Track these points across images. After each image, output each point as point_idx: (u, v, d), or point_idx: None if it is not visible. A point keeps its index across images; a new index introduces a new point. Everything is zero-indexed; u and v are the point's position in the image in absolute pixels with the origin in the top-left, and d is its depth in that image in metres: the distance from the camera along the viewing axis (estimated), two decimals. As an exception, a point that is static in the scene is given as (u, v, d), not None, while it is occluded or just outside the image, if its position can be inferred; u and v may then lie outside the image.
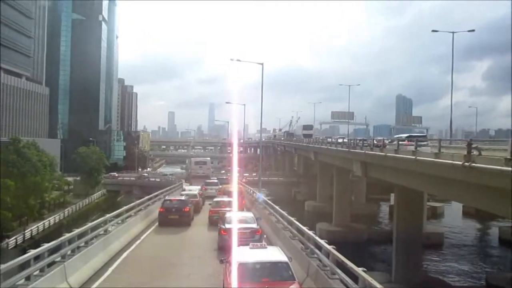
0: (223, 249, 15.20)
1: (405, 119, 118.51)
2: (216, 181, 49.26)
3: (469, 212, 57.22)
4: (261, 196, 30.03)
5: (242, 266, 10.06)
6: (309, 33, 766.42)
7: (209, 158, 75.64)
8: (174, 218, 24.40)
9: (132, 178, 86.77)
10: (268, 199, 27.87)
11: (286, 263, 10.34)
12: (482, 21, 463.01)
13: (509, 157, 14.10)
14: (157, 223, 24.99)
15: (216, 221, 21.59)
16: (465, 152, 16.82)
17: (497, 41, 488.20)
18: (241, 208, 28.50)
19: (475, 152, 16.41)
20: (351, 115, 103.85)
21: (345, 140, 44.54)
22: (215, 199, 28.50)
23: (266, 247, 11.51)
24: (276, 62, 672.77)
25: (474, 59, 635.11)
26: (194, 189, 37.48)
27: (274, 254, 11.00)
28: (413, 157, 21.45)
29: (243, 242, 12.76)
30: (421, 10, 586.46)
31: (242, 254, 10.71)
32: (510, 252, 43.94)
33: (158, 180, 78.30)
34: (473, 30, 51.28)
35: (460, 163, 16.61)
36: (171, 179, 76.05)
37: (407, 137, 30.13)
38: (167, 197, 29.30)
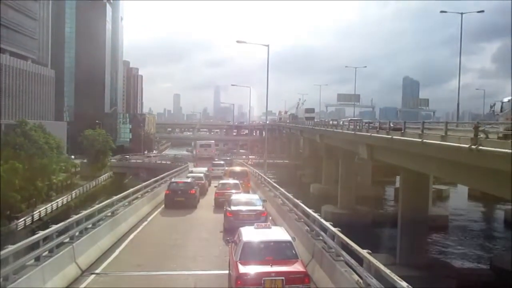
0: (229, 231, 15.34)
1: (412, 101, 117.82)
2: (222, 162, 50.91)
3: (475, 195, 57.13)
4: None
5: (247, 244, 10.33)
6: (317, 14, 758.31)
7: (213, 141, 78.98)
8: (180, 200, 24.54)
9: (139, 160, 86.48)
10: (274, 181, 27.86)
11: (290, 242, 10.62)
12: (493, 2, 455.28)
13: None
14: (163, 205, 25.17)
15: (222, 203, 21.71)
16: (472, 135, 16.72)
17: (507, 23, 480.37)
18: (246, 190, 28.85)
19: (482, 135, 16.31)
20: (357, 98, 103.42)
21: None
22: (221, 181, 28.61)
23: (270, 227, 11.83)
24: (283, 44, 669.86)
25: (483, 41, 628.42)
26: (201, 170, 38.11)
27: (278, 233, 11.30)
28: (420, 140, 21.35)
29: (248, 224, 12.87)
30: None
31: (247, 234, 10.92)
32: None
33: (168, 162, 78.13)
34: (482, 11, 50.35)
35: (467, 146, 16.52)
36: (180, 157, 77.15)
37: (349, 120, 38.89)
38: (173, 180, 29.23)
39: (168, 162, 78.31)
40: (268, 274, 9.40)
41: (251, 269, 9.60)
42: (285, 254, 10.24)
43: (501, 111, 22.84)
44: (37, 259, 10.40)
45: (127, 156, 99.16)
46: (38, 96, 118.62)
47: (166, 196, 25.26)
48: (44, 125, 79.79)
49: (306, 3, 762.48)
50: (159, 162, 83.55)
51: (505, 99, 23.02)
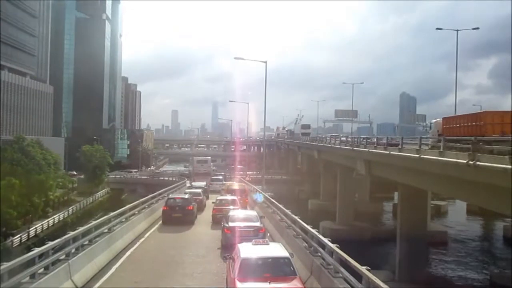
0: (226, 248, 15.23)
1: (409, 117, 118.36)
2: (220, 177, 54.36)
3: (473, 211, 56.99)
4: (260, 196, 29.82)
5: (245, 261, 10.30)
6: (315, 31, 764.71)
7: (209, 157, 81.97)
8: (178, 217, 24.42)
9: (143, 177, 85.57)
10: (272, 197, 27.78)
11: (288, 258, 10.60)
12: (490, 19, 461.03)
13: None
14: (160, 221, 25.02)
15: (220, 219, 21.61)
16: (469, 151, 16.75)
17: (503, 39, 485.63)
18: (244, 207, 28.85)
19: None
20: (354, 113, 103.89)
21: (349, 138, 44.40)
22: (219, 198, 28.68)
23: (268, 243, 11.81)
24: (281, 60, 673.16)
25: (480, 57, 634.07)
26: (200, 185, 39.62)
27: (276, 250, 11.28)
28: (417, 155, 21.39)
29: (246, 240, 12.81)
30: (430, 8, 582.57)
31: (245, 250, 10.91)
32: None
33: (167, 178, 77.78)
34: (477, 28, 51.00)
35: (465, 161, 16.55)
36: (182, 171, 77.81)
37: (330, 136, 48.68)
38: (170, 196, 29.20)
39: (167, 178, 78.02)
40: None
41: (249, 286, 9.56)
42: (283, 271, 10.21)
43: (430, 128, 31.85)
44: (33, 276, 10.30)
45: (132, 171, 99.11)
46: (36, 112, 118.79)
47: (163, 212, 25.14)
48: (41, 141, 79.74)
49: (304, 20, 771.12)
50: (157, 178, 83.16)
51: (433, 120, 32.29)
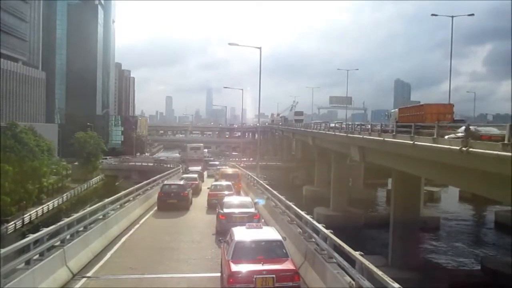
0: (221, 233, 15.33)
1: (403, 104, 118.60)
2: (216, 163, 63.12)
3: (466, 197, 57.52)
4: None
5: (239, 244, 10.62)
6: (311, 18, 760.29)
7: (202, 145, 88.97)
8: (173, 203, 24.68)
9: (150, 164, 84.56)
10: (266, 184, 27.89)
11: (280, 241, 10.94)
12: (485, 6, 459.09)
13: (506, 142, 14.14)
14: (155, 208, 25.16)
15: (215, 204, 21.91)
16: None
17: (498, 26, 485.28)
18: (238, 191, 29.92)
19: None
20: (349, 100, 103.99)
21: (343, 124, 44.51)
22: (214, 183, 29.69)
23: (261, 227, 12.13)
24: (277, 47, 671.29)
25: (475, 44, 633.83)
26: (196, 169, 45.40)
27: (269, 233, 11.63)
28: (411, 142, 21.47)
29: (240, 226, 12.93)
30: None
31: (239, 233, 11.22)
32: (506, 236, 44.35)
33: (161, 165, 77.62)
34: (472, 14, 50.54)
35: (457, 148, 16.65)
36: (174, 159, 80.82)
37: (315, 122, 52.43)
38: (165, 182, 29.63)
39: (162, 164, 77.90)
40: (259, 272, 9.66)
41: (243, 268, 9.83)
42: (275, 253, 10.55)
43: (389, 117, 39.97)
44: (28, 262, 10.31)
45: (128, 157, 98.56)
46: (29, 98, 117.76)
47: (158, 198, 25.42)
48: (34, 127, 79.15)
49: (300, 6, 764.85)
50: (152, 164, 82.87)
51: (392, 110, 40.79)
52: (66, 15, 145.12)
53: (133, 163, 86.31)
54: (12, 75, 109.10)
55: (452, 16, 44.65)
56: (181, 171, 49.60)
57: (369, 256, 10.30)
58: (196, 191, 31.40)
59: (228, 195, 22.99)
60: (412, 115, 31.67)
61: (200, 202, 27.99)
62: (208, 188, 28.84)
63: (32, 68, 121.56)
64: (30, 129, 75.31)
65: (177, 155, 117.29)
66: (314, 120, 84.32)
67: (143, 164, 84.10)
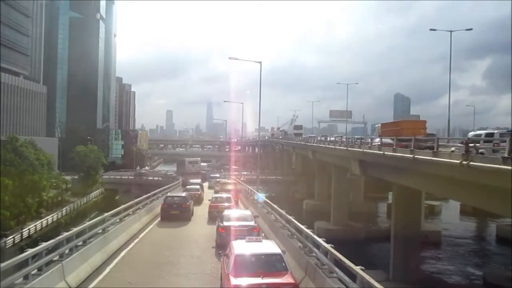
0: (221, 247, 15.26)
1: (403, 118, 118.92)
2: (217, 175, 67.00)
3: (467, 211, 57.28)
4: (261, 197, 29.87)
5: (239, 257, 10.61)
6: (311, 32, 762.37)
7: (199, 158, 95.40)
8: (175, 213, 26.05)
9: (156, 178, 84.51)
10: (266, 198, 27.89)
11: (280, 255, 10.95)
12: (485, 21, 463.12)
13: (506, 155, 14.15)
14: (155, 222, 25.45)
15: (216, 216, 22.22)
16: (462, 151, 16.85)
17: (498, 40, 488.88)
18: (236, 202, 31.53)
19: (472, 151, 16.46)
20: (349, 114, 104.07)
21: (343, 138, 44.67)
22: (214, 195, 31.36)
23: (261, 241, 12.16)
24: (277, 61, 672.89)
25: (475, 58, 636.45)
26: (197, 182, 49.11)
27: (268, 246, 11.66)
28: (411, 155, 21.47)
29: (240, 239, 12.91)
30: (425, 10, 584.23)
31: (239, 247, 11.24)
32: (508, 250, 44.06)
33: (160, 179, 77.78)
34: (470, 29, 50.85)
35: (458, 161, 16.64)
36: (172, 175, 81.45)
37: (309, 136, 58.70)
38: (168, 194, 31.38)
39: (160, 179, 77.88)
40: (259, 286, 9.65)
41: (242, 281, 9.80)
42: (275, 267, 10.54)
43: (374, 131, 44.60)
44: (26, 277, 10.25)
45: (141, 170, 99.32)
46: (30, 112, 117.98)
47: (162, 209, 26.74)
48: (35, 141, 79.19)
49: (300, 21, 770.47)
50: (151, 178, 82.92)
51: (376, 125, 44.46)
52: (68, 30, 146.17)
53: (140, 177, 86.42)
54: (13, 89, 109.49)
55: (451, 31, 45.04)
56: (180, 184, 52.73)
57: (370, 270, 10.23)
58: (199, 201, 34.94)
59: (228, 206, 24.19)
60: (392, 130, 36.01)
61: (201, 212, 29.51)
62: (209, 200, 30.11)
63: (33, 82, 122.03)
64: (31, 143, 75.35)
65: (175, 169, 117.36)
66: (309, 134, 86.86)
67: (144, 178, 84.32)
